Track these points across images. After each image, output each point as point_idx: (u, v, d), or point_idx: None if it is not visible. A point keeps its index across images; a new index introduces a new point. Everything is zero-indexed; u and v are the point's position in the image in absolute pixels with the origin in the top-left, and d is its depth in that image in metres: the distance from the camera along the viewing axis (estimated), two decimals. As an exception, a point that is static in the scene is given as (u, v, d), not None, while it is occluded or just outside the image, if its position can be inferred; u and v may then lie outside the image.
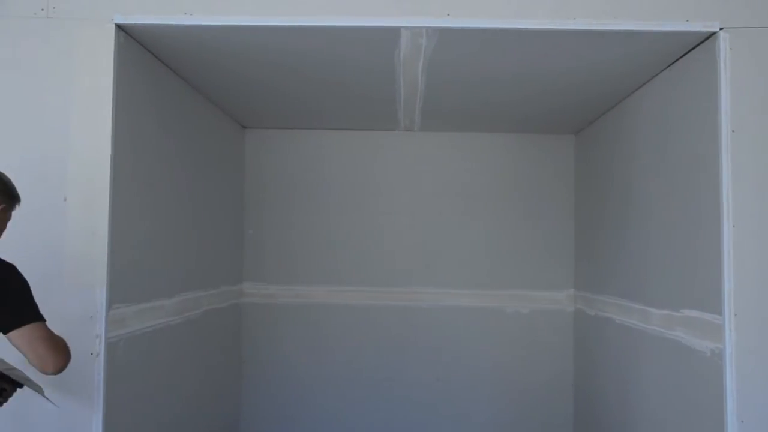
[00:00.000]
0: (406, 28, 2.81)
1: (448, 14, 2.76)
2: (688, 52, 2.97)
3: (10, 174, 2.24)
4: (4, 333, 2.00)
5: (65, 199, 2.74)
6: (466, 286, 4.95)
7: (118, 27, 2.80)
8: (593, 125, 4.51)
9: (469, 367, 4.92)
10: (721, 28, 2.70)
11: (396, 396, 4.91)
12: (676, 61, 3.10)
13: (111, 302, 2.76)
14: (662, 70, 3.27)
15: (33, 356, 1.99)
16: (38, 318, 2.03)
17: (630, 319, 3.66)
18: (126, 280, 2.92)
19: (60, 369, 2.04)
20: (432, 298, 4.94)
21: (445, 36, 2.89)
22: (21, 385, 2.14)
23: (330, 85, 3.74)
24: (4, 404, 2.14)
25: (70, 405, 2.70)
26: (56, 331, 2.10)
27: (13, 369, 2.12)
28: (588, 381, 4.52)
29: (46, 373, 2.03)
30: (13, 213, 2.25)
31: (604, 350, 4.14)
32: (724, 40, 2.70)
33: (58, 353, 2.02)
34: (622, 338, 3.79)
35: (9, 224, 2.22)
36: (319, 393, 4.93)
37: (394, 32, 2.86)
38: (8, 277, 2.03)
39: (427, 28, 2.81)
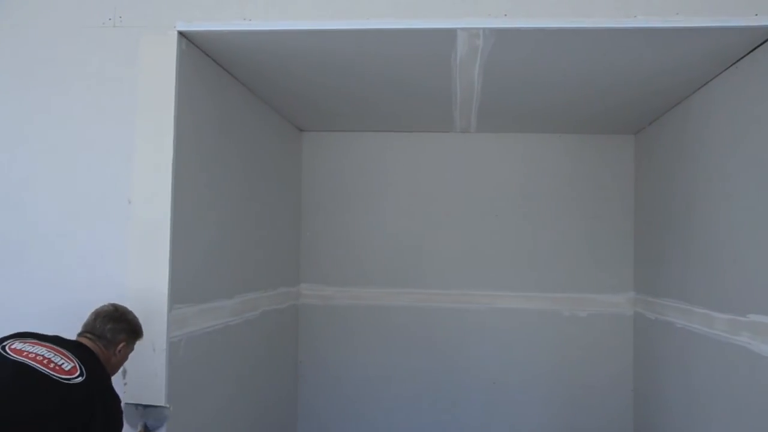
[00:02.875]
0: (463, 29, 2.79)
1: (505, 14, 2.73)
2: (755, 48, 2.87)
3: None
4: None
5: (129, 202, 2.82)
6: (522, 289, 4.89)
7: (180, 34, 2.87)
8: (653, 125, 4.40)
9: (525, 371, 4.86)
10: (792, 23, 2.59)
11: (451, 398, 4.89)
12: (742, 57, 3.00)
13: (173, 302, 2.84)
14: (728, 68, 3.16)
15: None
16: None
17: (692, 324, 3.56)
18: (187, 281, 2.99)
19: None
20: (488, 301, 4.90)
21: (501, 36, 2.87)
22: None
23: (386, 87, 3.76)
24: None
25: (135, 401, 2.79)
26: None
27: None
28: (648, 387, 4.41)
29: None
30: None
31: (665, 355, 4.03)
32: (795, 36, 2.60)
33: None
34: (684, 343, 3.68)
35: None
36: (373, 394, 4.94)
37: (450, 34, 2.85)
38: (116, 411, 2.28)
39: (484, 29, 2.79)
